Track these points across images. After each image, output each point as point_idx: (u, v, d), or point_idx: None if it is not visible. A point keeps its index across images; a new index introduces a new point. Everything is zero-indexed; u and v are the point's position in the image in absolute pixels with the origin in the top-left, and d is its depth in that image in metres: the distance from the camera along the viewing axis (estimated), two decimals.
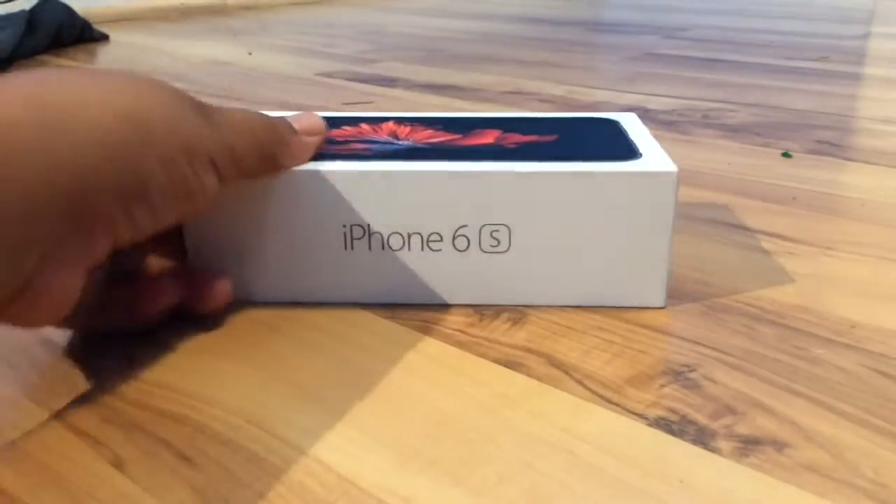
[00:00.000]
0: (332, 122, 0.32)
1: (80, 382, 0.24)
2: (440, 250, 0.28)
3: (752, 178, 0.43)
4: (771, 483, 0.20)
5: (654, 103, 0.61)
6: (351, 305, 0.29)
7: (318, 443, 0.21)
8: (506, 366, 0.25)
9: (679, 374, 0.24)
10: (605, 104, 0.61)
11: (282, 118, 0.26)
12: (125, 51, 0.90)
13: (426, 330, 0.27)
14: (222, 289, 0.27)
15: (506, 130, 0.31)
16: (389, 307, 0.29)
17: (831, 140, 0.51)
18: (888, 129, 0.54)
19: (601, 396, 0.23)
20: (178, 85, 0.75)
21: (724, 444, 0.21)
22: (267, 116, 0.26)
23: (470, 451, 0.21)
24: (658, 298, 0.28)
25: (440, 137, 0.30)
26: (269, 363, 0.25)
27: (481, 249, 0.28)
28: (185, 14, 1.22)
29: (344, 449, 0.21)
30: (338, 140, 0.30)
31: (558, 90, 0.67)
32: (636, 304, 0.28)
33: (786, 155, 0.48)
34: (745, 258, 0.33)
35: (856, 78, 0.72)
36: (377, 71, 0.77)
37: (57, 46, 0.89)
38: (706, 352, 0.26)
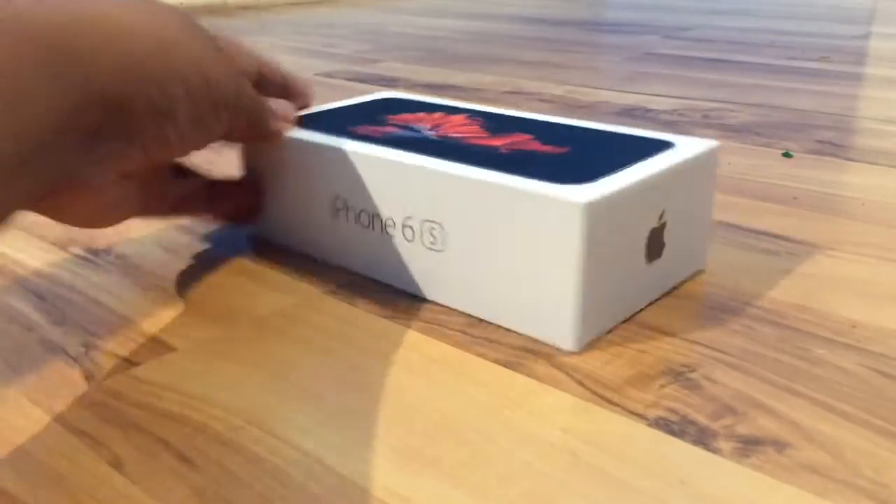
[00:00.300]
0: (415, 107, 0.36)
1: (79, 382, 0.24)
2: (393, 236, 0.29)
3: (752, 178, 0.43)
4: (771, 483, 0.20)
5: (655, 103, 0.61)
6: (350, 305, 0.29)
7: (318, 443, 0.21)
8: (506, 366, 0.25)
9: (679, 375, 0.24)
10: (605, 104, 0.61)
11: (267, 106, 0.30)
12: None
13: (426, 330, 0.27)
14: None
15: (536, 136, 0.31)
16: (389, 307, 0.29)
17: (832, 140, 0.51)
18: (889, 129, 0.54)
19: (601, 397, 0.23)
20: None
21: (724, 445, 0.21)
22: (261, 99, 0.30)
23: (470, 451, 0.21)
24: (567, 340, 0.25)
25: (463, 133, 0.31)
26: (268, 364, 0.25)
27: (423, 244, 0.28)
28: None
29: (344, 449, 0.21)
30: (389, 122, 0.33)
31: (559, 90, 0.67)
32: (547, 340, 0.26)
33: (786, 155, 0.48)
34: (746, 258, 0.33)
35: (856, 78, 0.72)
36: (377, 71, 0.77)
37: None
38: (706, 352, 0.26)
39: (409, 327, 0.27)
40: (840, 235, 0.35)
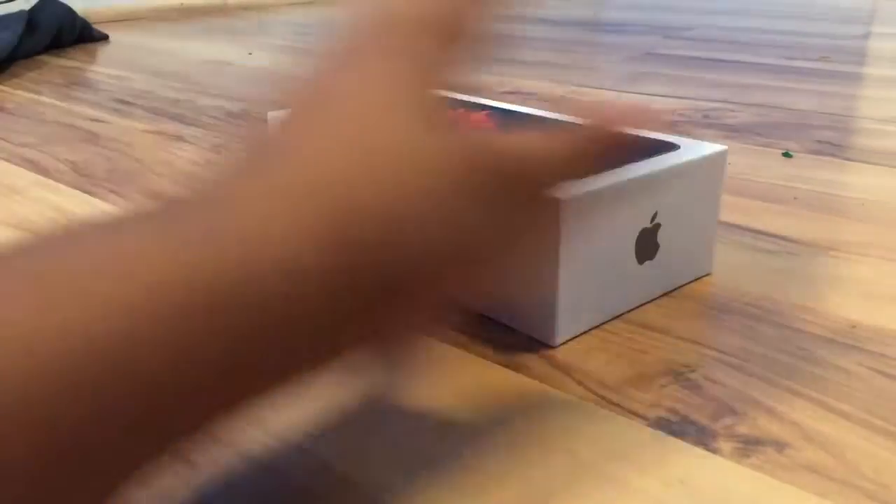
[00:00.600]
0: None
1: None
2: None
3: (752, 178, 0.43)
4: (771, 483, 0.20)
5: (656, 103, 0.61)
6: None
7: (317, 444, 0.21)
8: (506, 366, 0.25)
9: (679, 375, 0.24)
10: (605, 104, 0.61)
11: None
12: (125, 51, 0.90)
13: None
14: None
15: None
16: None
17: (832, 140, 0.51)
18: (889, 129, 0.54)
19: (601, 397, 0.23)
20: (178, 85, 0.74)
21: (724, 445, 0.21)
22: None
23: (470, 451, 0.21)
24: (548, 334, 0.26)
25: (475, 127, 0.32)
26: None
27: None
28: (185, 14, 1.22)
29: (343, 449, 0.21)
30: None
31: (559, 90, 0.67)
32: (529, 334, 0.26)
33: (786, 155, 0.48)
34: (746, 258, 0.33)
35: (856, 78, 0.72)
36: None
37: (56, 46, 0.89)
38: (707, 352, 0.26)
39: None
40: (840, 235, 0.35)
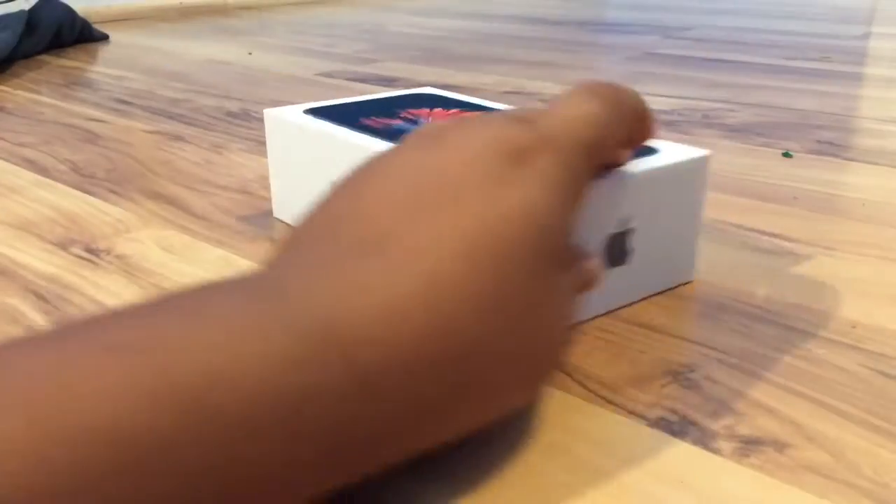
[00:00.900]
0: (444, 103, 0.37)
1: None
2: None
3: (752, 178, 0.43)
4: (772, 483, 0.20)
5: (655, 103, 0.61)
6: None
7: None
8: None
9: (679, 375, 0.24)
10: None
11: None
12: (125, 51, 0.90)
13: None
14: None
15: None
16: None
17: (832, 140, 0.51)
18: (889, 129, 0.54)
19: (601, 397, 0.23)
20: (178, 85, 0.74)
21: (724, 445, 0.21)
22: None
23: (469, 452, 0.21)
24: None
25: None
26: None
27: None
28: (185, 14, 1.22)
29: None
30: (400, 115, 0.34)
31: (559, 90, 0.67)
32: None
33: (786, 155, 0.48)
34: (746, 258, 0.33)
35: (857, 78, 0.72)
36: (377, 71, 0.77)
37: (57, 46, 0.89)
38: (707, 352, 0.26)
39: None
40: (840, 235, 0.35)
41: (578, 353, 0.26)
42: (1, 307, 0.29)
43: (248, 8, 1.30)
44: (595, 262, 0.22)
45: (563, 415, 0.22)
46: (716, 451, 0.21)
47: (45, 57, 0.85)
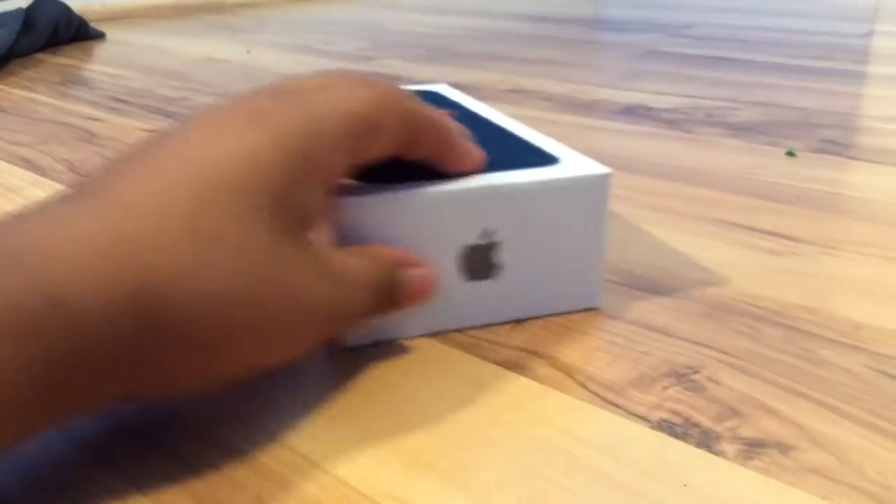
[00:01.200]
0: (443, 104, 0.35)
1: None
2: None
3: (755, 177, 0.43)
4: (776, 486, 0.19)
5: (657, 102, 0.61)
6: None
7: (317, 447, 0.21)
8: (507, 367, 0.25)
9: (682, 376, 0.24)
10: (606, 102, 0.61)
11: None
12: (122, 49, 0.90)
13: (430, 333, 0.27)
14: None
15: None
16: None
17: (836, 139, 0.51)
18: (893, 127, 0.53)
19: (604, 399, 0.23)
20: (175, 83, 0.74)
21: (728, 447, 0.21)
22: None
23: (470, 454, 0.21)
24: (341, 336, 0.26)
25: None
26: None
27: None
28: (182, 11, 1.21)
29: (343, 453, 0.21)
30: None
31: (560, 88, 0.66)
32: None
33: (790, 154, 0.47)
34: (749, 258, 0.33)
35: (860, 76, 0.71)
36: (376, 69, 0.77)
37: (53, 45, 0.89)
38: (710, 353, 0.25)
39: None
40: (844, 235, 0.35)
41: (580, 354, 0.25)
42: None
43: (246, 5, 1.30)
44: (427, 270, 0.23)
45: (565, 417, 0.22)
46: (719, 454, 0.21)
47: (41, 55, 0.84)
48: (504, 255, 0.26)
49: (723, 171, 0.44)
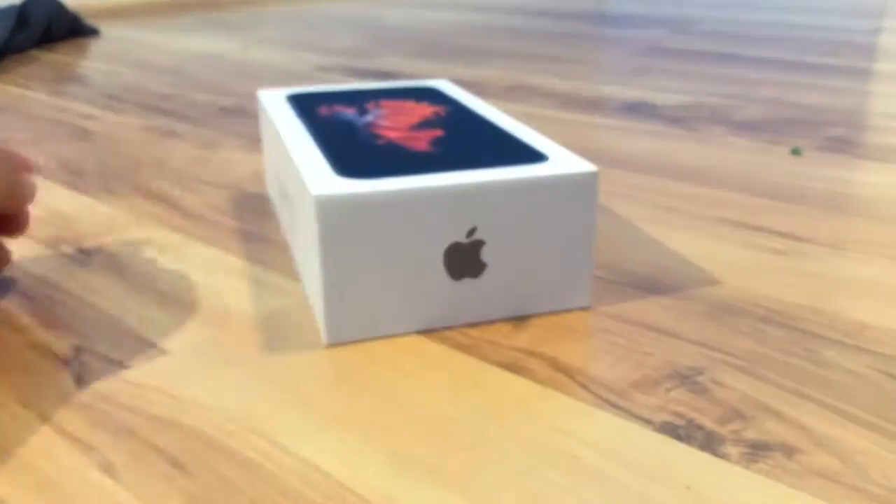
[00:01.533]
0: (438, 99, 0.36)
1: (69, 386, 0.24)
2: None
3: (760, 175, 0.43)
4: (780, 489, 0.19)
5: (661, 99, 0.61)
6: None
7: (314, 448, 0.21)
8: (508, 369, 0.24)
9: (686, 378, 0.24)
10: (609, 99, 0.60)
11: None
12: (116, 45, 0.90)
13: (427, 333, 0.27)
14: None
15: (447, 132, 0.31)
16: None
17: (842, 137, 0.50)
18: None
19: (606, 400, 0.23)
20: (170, 80, 0.74)
21: (732, 450, 0.20)
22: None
23: (471, 456, 0.20)
24: (321, 332, 0.26)
25: (392, 124, 0.32)
26: (263, 367, 0.25)
27: None
28: (178, 8, 1.21)
29: (341, 454, 0.20)
30: (362, 106, 0.35)
31: (562, 85, 0.66)
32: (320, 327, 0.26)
33: (795, 152, 0.47)
34: (753, 257, 0.32)
35: (867, 74, 0.71)
36: (375, 65, 0.76)
37: (47, 41, 0.88)
38: (713, 354, 0.25)
39: (408, 330, 0.27)
40: (850, 235, 0.35)
41: (582, 355, 0.25)
42: None
43: (242, 2, 1.29)
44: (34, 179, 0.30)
45: (566, 419, 0.22)
46: (723, 457, 0.20)
47: (35, 52, 0.84)
48: (490, 254, 0.26)
49: (727, 170, 0.43)
